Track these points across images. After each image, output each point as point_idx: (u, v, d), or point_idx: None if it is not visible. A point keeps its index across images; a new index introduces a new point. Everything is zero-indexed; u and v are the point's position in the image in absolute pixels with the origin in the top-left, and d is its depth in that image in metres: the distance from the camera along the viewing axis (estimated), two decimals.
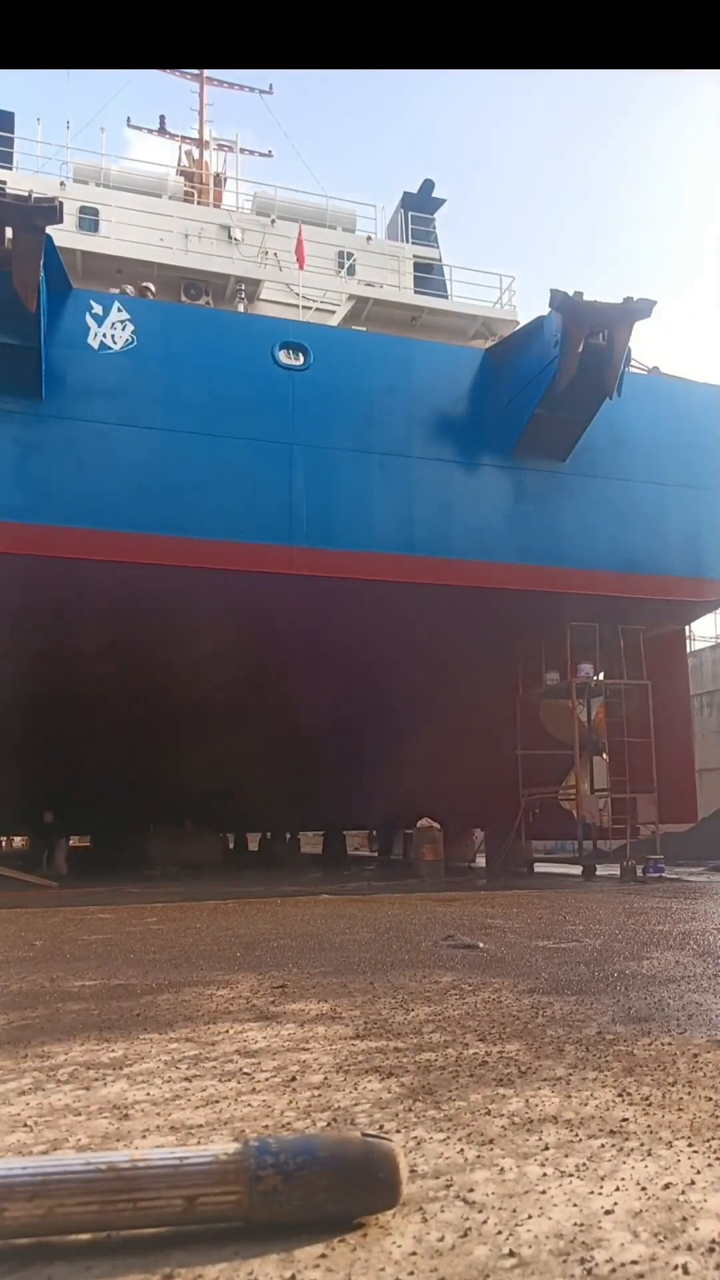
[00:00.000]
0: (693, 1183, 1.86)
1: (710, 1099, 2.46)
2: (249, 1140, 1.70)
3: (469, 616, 13.96)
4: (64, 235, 13.18)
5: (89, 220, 16.38)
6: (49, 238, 11.38)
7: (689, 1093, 2.52)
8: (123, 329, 12.65)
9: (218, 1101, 2.50)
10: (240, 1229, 1.62)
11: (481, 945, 5.75)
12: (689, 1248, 1.56)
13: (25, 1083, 2.74)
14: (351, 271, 17.85)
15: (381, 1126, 2.25)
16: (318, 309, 16.50)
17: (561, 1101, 2.44)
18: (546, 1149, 2.08)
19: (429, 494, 13.73)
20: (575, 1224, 1.66)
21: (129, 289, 14.32)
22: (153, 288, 14.91)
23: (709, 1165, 1.96)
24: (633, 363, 14.71)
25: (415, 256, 18.71)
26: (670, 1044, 3.09)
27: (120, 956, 5.59)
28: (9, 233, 11.04)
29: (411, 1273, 1.49)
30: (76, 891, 12.10)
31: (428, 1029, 3.37)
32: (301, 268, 16.14)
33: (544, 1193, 1.82)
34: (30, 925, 7.62)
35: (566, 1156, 2.02)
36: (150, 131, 23.54)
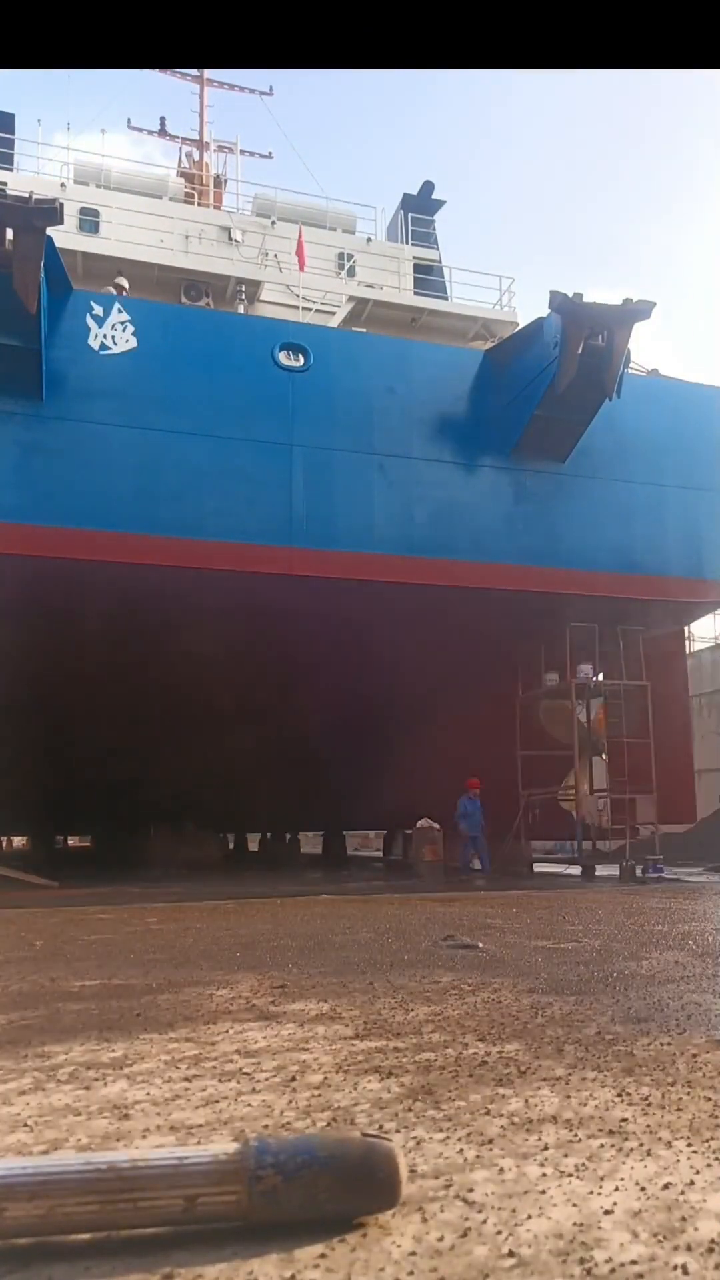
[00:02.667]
0: (692, 1183, 1.86)
1: (709, 1099, 2.46)
2: (249, 1140, 1.70)
3: (469, 617, 13.96)
4: (64, 236, 13.17)
5: (89, 221, 16.38)
6: (49, 239, 11.39)
7: (688, 1093, 2.52)
8: (123, 330, 12.66)
9: (218, 1101, 2.50)
10: (240, 1229, 1.62)
11: (481, 945, 5.74)
12: (688, 1248, 1.56)
13: (25, 1083, 2.74)
14: (351, 273, 17.86)
15: (381, 1126, 2.25)
16: (318, 310, 16.50)
17: (561, 1101, 2.45)
18: (546, 1149, 2.08)
19: (429, 495, 13.73)
20: (575, 1224, 1.66)
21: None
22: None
23: (708, 1165, 1.96)
24: (632, 364, 14.73)
25: (415, 258, 18.72)
26: (669, 1044, 3.09)
27: (120, 956, 5.59)
28: (9, 234, 11.04)
29: (411, 1273, 1.49)
30: (76, 892, 12.10)
31: (427, 1029, 3.37)
32: (302, 269, 16.14)
33: (543, 1193, 1.82)
34: (30, 925, 7.61)
35: (566, 1156, 2.03)
36: (151, 133, 23.58)
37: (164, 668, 13.50)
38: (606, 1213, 1.71)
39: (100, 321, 12.58)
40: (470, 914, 8.17)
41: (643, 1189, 1.83)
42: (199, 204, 19.60)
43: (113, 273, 15.38)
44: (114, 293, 13.52)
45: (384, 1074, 2.75)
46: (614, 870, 14.75)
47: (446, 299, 18.28)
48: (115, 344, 12.59)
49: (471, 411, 14.19)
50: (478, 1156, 2.03)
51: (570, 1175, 1.91)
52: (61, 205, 11.30)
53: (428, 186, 19.79)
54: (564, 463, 14.20)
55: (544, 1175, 1.91)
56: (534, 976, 4.57)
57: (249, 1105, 2.46)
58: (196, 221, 17.51)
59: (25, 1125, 2.32)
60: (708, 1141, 2.12)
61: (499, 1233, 1.63)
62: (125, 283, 14.14)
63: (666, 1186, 1.84)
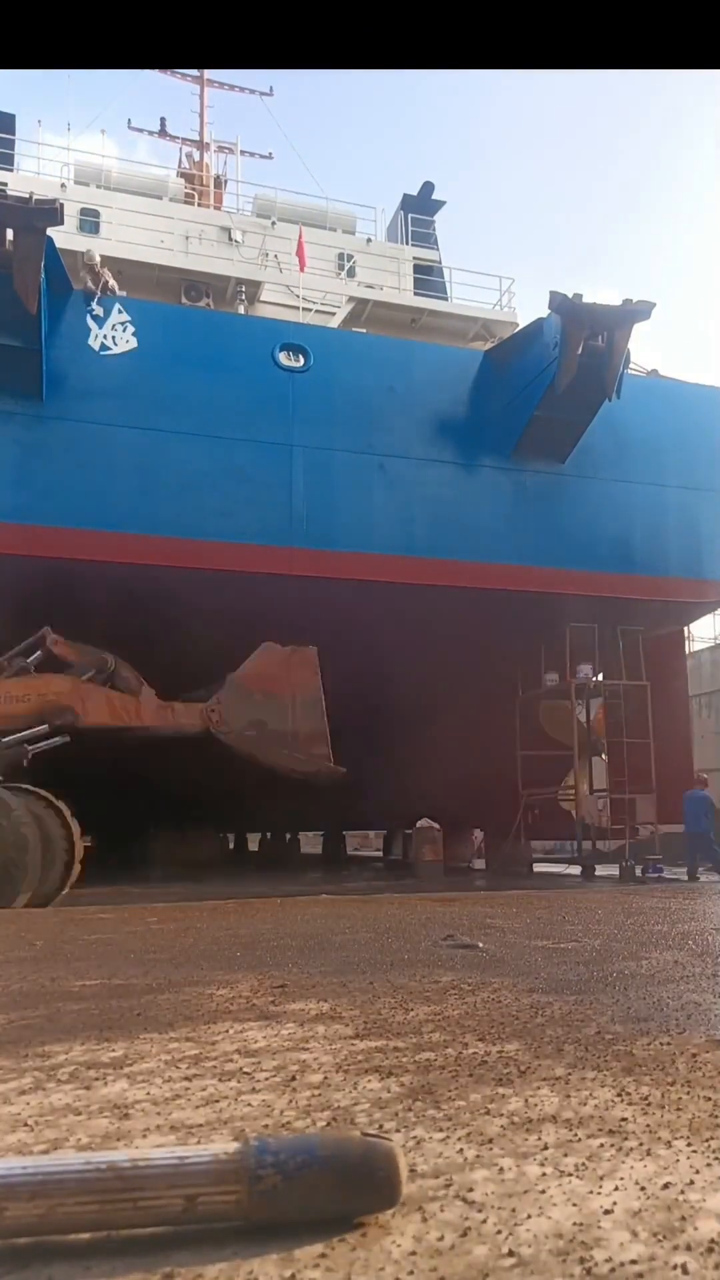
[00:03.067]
0: (692, 1182, 1.86)
1: (709, 1098, 2.46)
2: (249, 1140, 1.70)
3: (468, 617, 13.97)
4: (65, 237, 13.17)
5: (90, 222, 16.40)
6: (50, 239, 11.40)
7: (688, 1092, 2.52)
8: (123, 330, 12.67)
9: (218, 1101, 2.50)
10: (240, 1229, 1.62)
11: (481, 945, 5.74)
12: (688, 1247, 1.56)
13: (25, 1082, 2.74)
14: (352, 273, 17.87)
15: (381, 1126, 2.25)
16: (318, 311, 16.51)
17: (561, 1101, 2.44)
18: (546, 1148, 2.07)
19: (429, 495, 13.75)
20: (575, 1223, 1.66)
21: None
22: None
23: (708, 1165, 1.96)
24: (632, 365, 14.74)
25: (415, 258, 18.76)
26: (669, 1043, 3.09)
27: (120, 956, 5.59)
28: (10, 234, 11.07)
29: (411, 1272, 1.49)
30: (77, 892, 12.10)
31: (427, 1029, 3.37)
32: (302, 270, 16.16)
33: (543, 1192, 1.82)
34: (30, 925, 7.61)
35: (566, 1156, 2.02)
36: (151, 133, 23.60)
37: (163, 667, 13.50)
38: (606, 1212, 1.71)
39: (100, 322, 12.60)
40: (470, 914, 8.16)
41: (642, 1189, 1.82)
42: (199, 204, 19.62)
43: (113, 273, 15.35)
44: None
45: (384, 1074, 2.75)
46: (614, 870, 14.75)
47: (446, 299, 18.30)
48: (115, 344, 12.61)
49: (471, 412, 14.21)
50: (478, 1156, 2.03)
51: (570, 1175, 1.91)
52: (62, 206, 11.33)
53: (428, 187, 19.82)
54: (564, 463, 14.21)
55: (544, 1175, 1.91)
56: (534, 976, 4.56)
57: (249, 1105, 2.46)
58: (196, 222, 17.54)
59: (25, 1125, 2.32)
60: (707, 1141, 2.12)
61: (499, 1232, 1.63)
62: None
63: (666, 1186, 1.84)
